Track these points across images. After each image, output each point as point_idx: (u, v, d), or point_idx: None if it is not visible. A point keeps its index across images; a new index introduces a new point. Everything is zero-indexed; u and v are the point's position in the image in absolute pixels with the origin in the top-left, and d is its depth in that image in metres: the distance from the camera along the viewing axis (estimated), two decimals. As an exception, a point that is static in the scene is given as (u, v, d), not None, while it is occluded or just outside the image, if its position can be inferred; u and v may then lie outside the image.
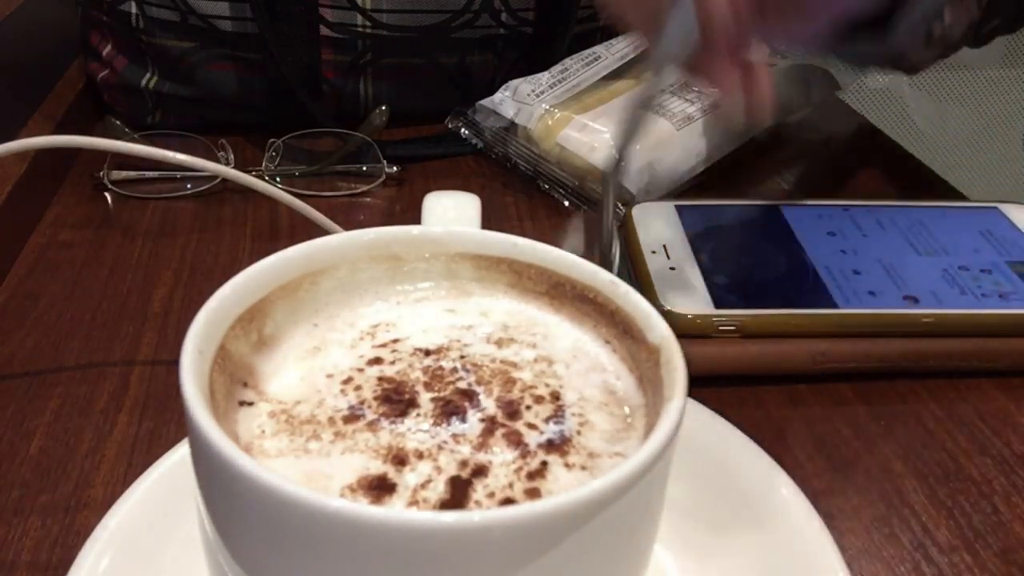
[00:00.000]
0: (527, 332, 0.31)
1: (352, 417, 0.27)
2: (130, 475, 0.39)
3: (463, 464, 0.26)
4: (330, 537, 0.22)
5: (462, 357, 0.30)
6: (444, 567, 0.22)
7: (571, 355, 0.30)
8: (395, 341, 0.31)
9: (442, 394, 0.28)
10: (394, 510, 0.24)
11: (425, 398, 0.28)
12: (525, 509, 0.22)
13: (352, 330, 0.31)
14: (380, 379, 0.29)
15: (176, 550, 0.32)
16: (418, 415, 0.28)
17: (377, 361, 0.30)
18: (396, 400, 0.28)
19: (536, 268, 0.32)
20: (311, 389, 0.29)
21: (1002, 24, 0.58)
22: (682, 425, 0.25)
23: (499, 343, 0.31)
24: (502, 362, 0.30)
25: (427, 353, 0.30)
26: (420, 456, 0.26)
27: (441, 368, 0.29)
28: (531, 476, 0.25)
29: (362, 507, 0.23)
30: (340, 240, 0.32)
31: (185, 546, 0.32)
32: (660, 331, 0.28)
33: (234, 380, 0.28)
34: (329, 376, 0.29)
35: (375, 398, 0.28)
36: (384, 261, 0.32)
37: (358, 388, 0.29)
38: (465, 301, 0.33)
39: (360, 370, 0.29)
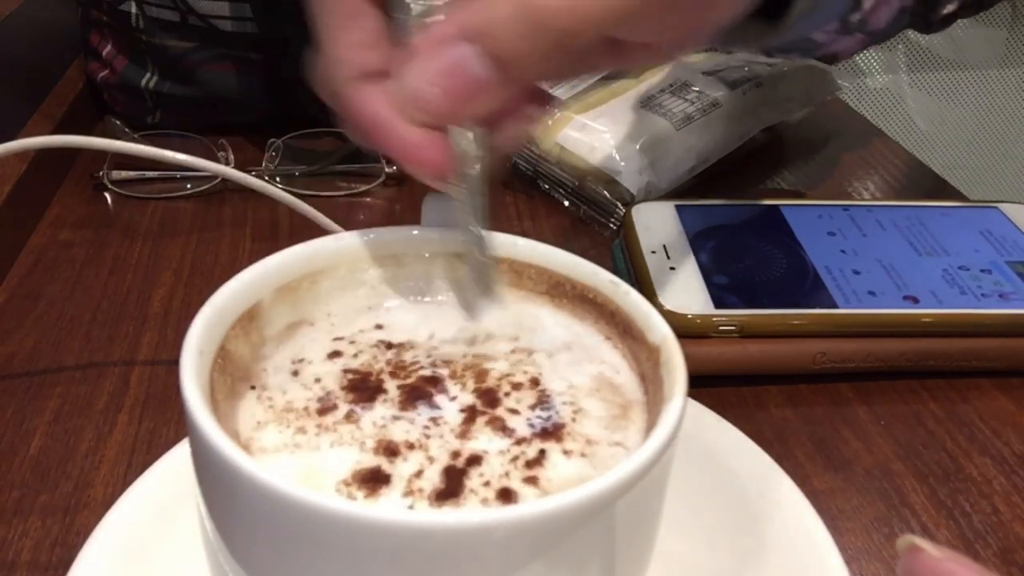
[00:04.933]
0: (519, 326, 0.31)
1: (325, 409, 0.28)
2: (130, 475, 0.39)
3: (455, 454, 0.26)
4: (329, 536, 0.22)
5: (428, 356, 0.30)
6: (444, 566, 0.22)
7: (562, 346, 0.30)
8: (361, 331, 0.31)
9: (407, 381, 0.29)
10: (393, 509, 0.24)
11: (391, 385, 0.29)
12: (525, 508, 0.22)
13: (335, 328, 0.31)
14: (345, 371, 0.29)
15: (176, 550, 0.32)
16: (385, 400, 0.28)
17: (336, 355, 0.30)
18: (362, 388, 0.28)
19: (536, 268, 0.32)
20: (284, 380, 0.29)
21: (960, 9, 0.57)
22: (682, 425, 0.25)
23: (471, 341, 0.31)
24: (475, 356, 0.30)
25: (389, 347, 0.30)
26: (411, 447, 0.26)
27: (403, 360, 0.30)
28: (529, 464, 0.25)
29: (361, 506, 0.23)
30: (340, 240, 0.32)
31: (185, 546, 0.32)
32: (660, 331, 0.28)
33: (235, 379, 0.28)
34: (293, 372, 0.29)
35: (342, 388, 0.28)
36: (384, 261, 0.32)
37: (318, 380, 0.29)
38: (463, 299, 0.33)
39: (324, 360, 0.30)
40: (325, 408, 0.28)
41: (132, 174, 0.64)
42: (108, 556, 0.32)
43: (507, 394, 0.28)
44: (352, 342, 0.31)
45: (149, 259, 0.57)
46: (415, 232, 0.33)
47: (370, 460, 0.26)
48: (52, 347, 0.49)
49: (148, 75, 0.71)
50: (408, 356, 0.30)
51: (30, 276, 0.55)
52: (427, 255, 0.33)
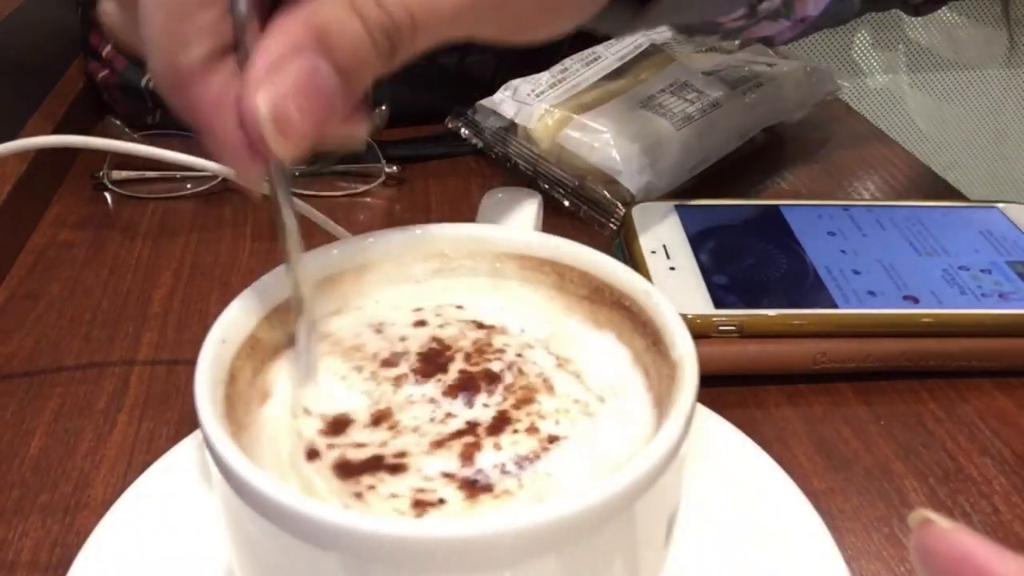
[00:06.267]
0: (571, 347, 0.30)
1: (390, 362, 0.29)
2: (130, 475, 0.39)
3: (400, 454, 0.26)
4: (324, 540, 0.22)
5: (518, 355, 0.30)
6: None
7: (606, 388, 0.29)
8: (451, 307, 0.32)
9: (474, 368, 0.29)
10: (373, 518, 0.23)
11: (456, 367, 0.29)
12: (525, 517, 0.22)
13: (401, 309, 0.32)
14: (433, 337, 0.30)
15: (176, 550, 0.32)
16: (439, 381, 0.28)
17: (422, 324, 0.31)
18: (432, 361, 0.29)
19: (578, 271, 0.32)
20: (362, 332, 0.30)
21: None
22: (678, 452, 0.25)
23: (559, 362, 0.30)
24: (544, 380, 0.29)
25: (480, 327, 0.31)
26: (391, 414, 0.27)
27: (491, 343, 0.30)
28: (427, 500, 0.25)
29: (371, 519, 0.23)
30: (386, 236, 0.32)
31: (185, 546, 0.32)
32: (680, 348, 0.27)
33: (264, 365, 0.29)
34: (376, 329, 0.30)
35: (418, 353, 0.29)
36: (431, 258, 0.33)
37: (404, 339, 0.30)
38: (509, 301, 0.32)
39: (409, 325, 0.31)
40: (390, 362, 0.29)
41: (132, 174, 0.64)
42: (108, 556, 0.32)
43: (515, 431, 0.27)
44: (438, 314, 0.31)
45: (149, 259, 0.57)
46: (463, 230, 0.33)
47: (360, 412, 0.27)
48: (52, 347, 0.49)
49: (148, 75, 0.71)
50: (499, 340, 0.30)
51: (30, 276, 0.55)
52: (473, 254, 0.33)
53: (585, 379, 0.29)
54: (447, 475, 0.25)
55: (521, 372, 0.29)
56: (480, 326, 0.31)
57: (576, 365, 0.29)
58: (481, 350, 0.29)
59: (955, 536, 0.21)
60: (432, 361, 0.29)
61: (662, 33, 0.67)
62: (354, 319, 0.31)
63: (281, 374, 0.29)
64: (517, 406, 0.28)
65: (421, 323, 0.31)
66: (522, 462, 0.26)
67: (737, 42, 0.66)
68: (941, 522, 0.21)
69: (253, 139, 0.26)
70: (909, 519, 0.22)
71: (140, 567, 0.32)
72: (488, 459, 0.26)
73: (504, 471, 0.25)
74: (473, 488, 0.25)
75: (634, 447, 0.27)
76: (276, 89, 0.25)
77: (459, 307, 0.32)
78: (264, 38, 0.26)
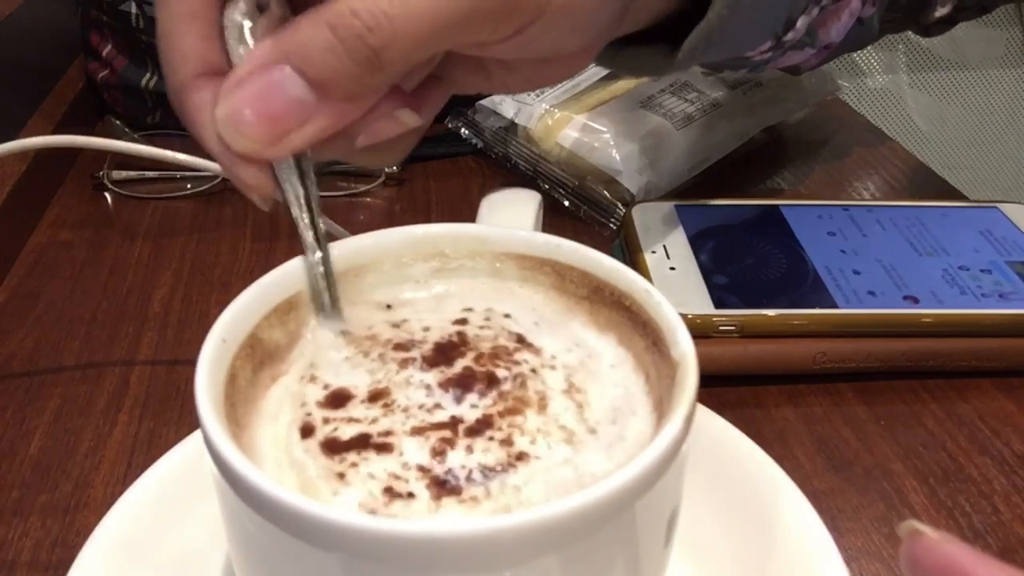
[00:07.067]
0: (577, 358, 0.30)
1: (401, 346, 0.29)
2: (130, 475, 0.39)
3: (387, 432, 0.26)
4: (314, 536, 0.22)
5: (532, 370, 0.29)
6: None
7: (606, 421, 0.28)
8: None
9: (479, 367, 0.28)
10: (374, 518, 0.23)
11: (462, 363, 0.29)
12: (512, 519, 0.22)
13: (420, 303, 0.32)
14: (458, 333, 0.30)
15: (176, 550, 0.32)
16: (440, 372, 0.28)
17: (462, 322, 0.31)
18: (441, 352, 0.29)
19: (578, 271, 0.32)
20: (378, 324, 0.31)
21: (956, 12, 0.56)
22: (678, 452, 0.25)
23: (569, 390, 0.29)
24: (537, 393, 0.28)
25: (520, 340, 0.30)
26: (388, 405, 0.27)
27: (510, 354, 0.29)
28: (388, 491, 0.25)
29: (371, 519, 0.23)
30: (386, 236, 0.32)
31: (185, 546, 0.32)
32: (681, 347, 0.27)
33: (263, 364, 0.29)
34: (395, 324, 0.31)
35: (434, 343, 0.29)
36: (430, 258, 0.32)
37: (427, 328, 0.30)
38: (511, 302, 0.32)
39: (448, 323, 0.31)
40: (402, 345, 0.29)
41: (132, 174, 0.64)
42: (108, 556, 0.32)
43: (490, 438, 0.26)
44: (487, 317, 0.31)
45: (149, 259, 0.57)
46: (462, 230, 0.33)
47: (360, 390, 0.27)
48: (52, 347, 0.49)
49: (148, 75, 0.71)
50: (521, 355, 0.29)
51: (30, 276, 0.55)
52: (473, 253, 0.33)
53: (585, 411, 0.28)
54: (422, 468, 0.25)
55: (523, 385, 0.28)
56: (520, 340, 0.30)
57: (585, 396, 0.28)
58: (496, 355, 0.29)
59: (943, 546, 0.22)
60: (441, 352, 0.29)
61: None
62: (371, 321, 0.31)
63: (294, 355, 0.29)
64: (503, 415, 0.27)
65: (462, 321, 0.31)
66: (487, 472, 0.25)
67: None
68: (930, 533, 0.22)
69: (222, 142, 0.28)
70: (899, 529, 0.22)
71: (140, 567, 0.32)
72: (458, 460, 0.25)
73: (469, 478, 0.25)
74: (442, 488, 0.25)
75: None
76: (235, 97, 0.27)
77: (507, 315, 0.31)
78: (244, 58, 0.29)
